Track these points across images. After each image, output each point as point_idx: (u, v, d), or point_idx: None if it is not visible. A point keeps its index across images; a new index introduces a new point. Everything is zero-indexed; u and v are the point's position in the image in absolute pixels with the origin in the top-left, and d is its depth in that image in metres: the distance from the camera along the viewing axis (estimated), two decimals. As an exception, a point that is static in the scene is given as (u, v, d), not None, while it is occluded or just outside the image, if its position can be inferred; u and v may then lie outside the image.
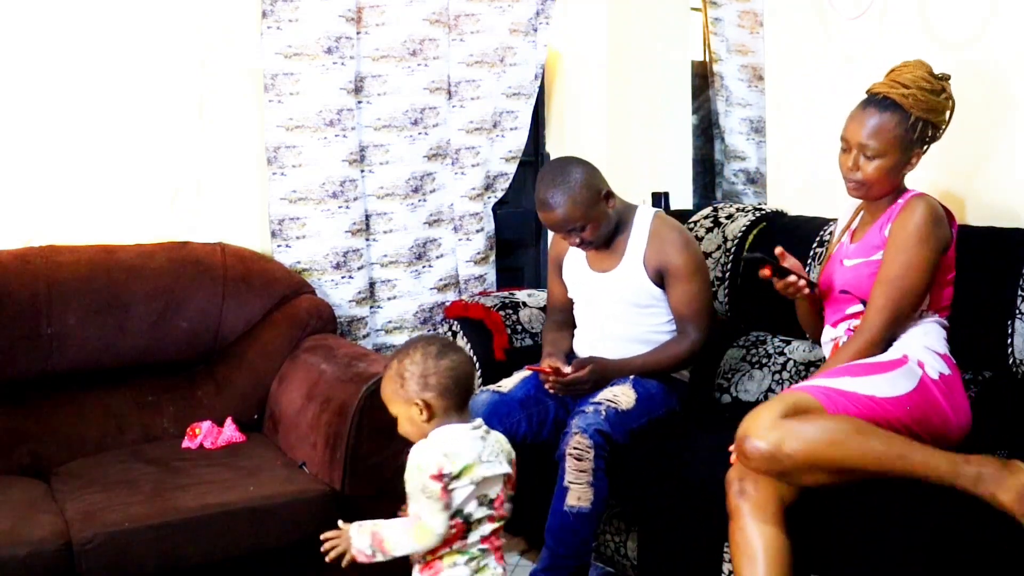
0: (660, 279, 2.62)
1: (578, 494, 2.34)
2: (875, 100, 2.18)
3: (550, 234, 2.93)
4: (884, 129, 2.15)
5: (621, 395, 2.48)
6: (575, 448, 2.35)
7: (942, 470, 1.87)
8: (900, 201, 2.21)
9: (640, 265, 2.62)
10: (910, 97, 2.15)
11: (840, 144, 2.24)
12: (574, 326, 2.83)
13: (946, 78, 2.22)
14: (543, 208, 2.54)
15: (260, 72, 2.96)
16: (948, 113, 2.21)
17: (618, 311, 2.67)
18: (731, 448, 2.04)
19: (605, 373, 2.58)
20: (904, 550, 1.87)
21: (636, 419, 2.47)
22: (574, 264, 2.75)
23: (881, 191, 2.21)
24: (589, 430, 2.36)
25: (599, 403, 2.45)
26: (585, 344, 2.75)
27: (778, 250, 2.21)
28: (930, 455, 1.89)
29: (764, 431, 1.89)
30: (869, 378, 2.04)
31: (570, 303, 2.82)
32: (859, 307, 2.22)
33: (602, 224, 2.57)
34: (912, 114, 2.15)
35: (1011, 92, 2.53)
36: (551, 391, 2.59)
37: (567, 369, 2.55)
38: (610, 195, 2.58)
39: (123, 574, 2.07)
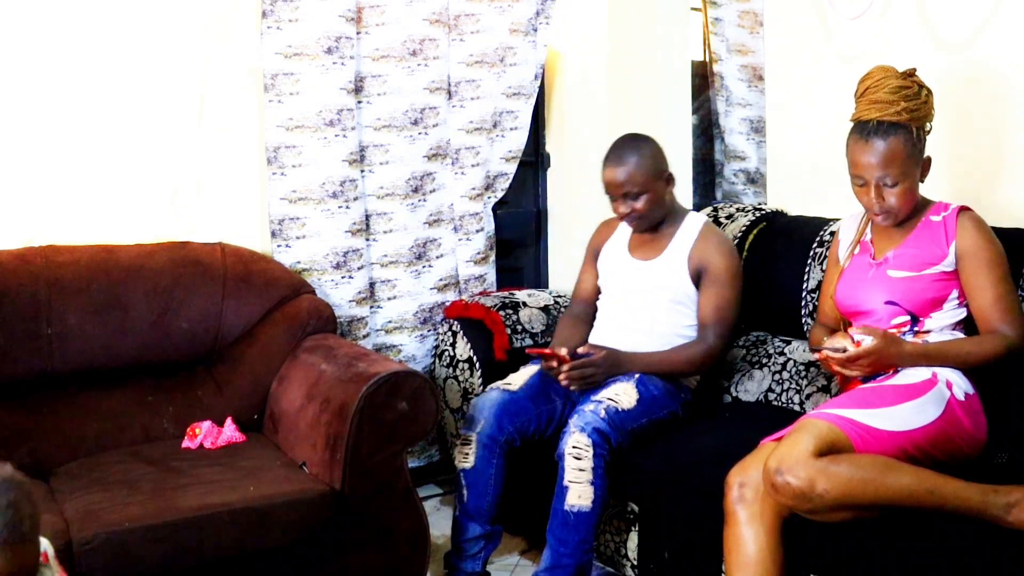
0: (698, 279, 2.64)
1: (578, 493, 2.34)
2: (872, 128, 2.16)
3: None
4: (896, 155, 2.15)
5: (622, 394, 2.48)
6: (574, 447, 2.35)
7: (973, 502, 1.86)
8: (939, 216, 2.22)
9: (684, 260, 2.65)
10: (903, 112, 2.14)
11: (853, 180, 2.23)
12: (590, 324, 2.82)
13: (913, 72, 2.21)
14: (610, 163, 2.64)
15: (260, 72, 2.96)
16: (932, 105, 2.21)
17: (650, 301, 2.67)
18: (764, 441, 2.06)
19: (618, 361, 2.57)
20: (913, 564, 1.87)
21: (636, 419, 2.47)
22: (614, 251, 2.79)
23: (910, 211, 2.23)
24: (587, 429, 2.36)
25: (599, 401, 2.45)
26: (605, 335, 2.73)
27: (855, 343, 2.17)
28: (960, 488, 1.88)
29: (797, 468, 1.87)
30: (899, 408, 2.01)
31: (594, 297, 2.83)
32: (905, 318, 2.22)
33: (656, 202, 2.64)
34: (911, 127, 2.15)
35: (1011, 92, 2.53)
36: (562, 381, 2.56)
37: (563, 352, 2.54)
38: (671, 179, 2.69)
39: (123, 574, 2.07)
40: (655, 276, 2.68)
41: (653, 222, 2.69)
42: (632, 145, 2.65)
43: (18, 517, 1.47)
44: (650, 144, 2.67)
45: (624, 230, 2.82)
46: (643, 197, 2.62)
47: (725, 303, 2.63)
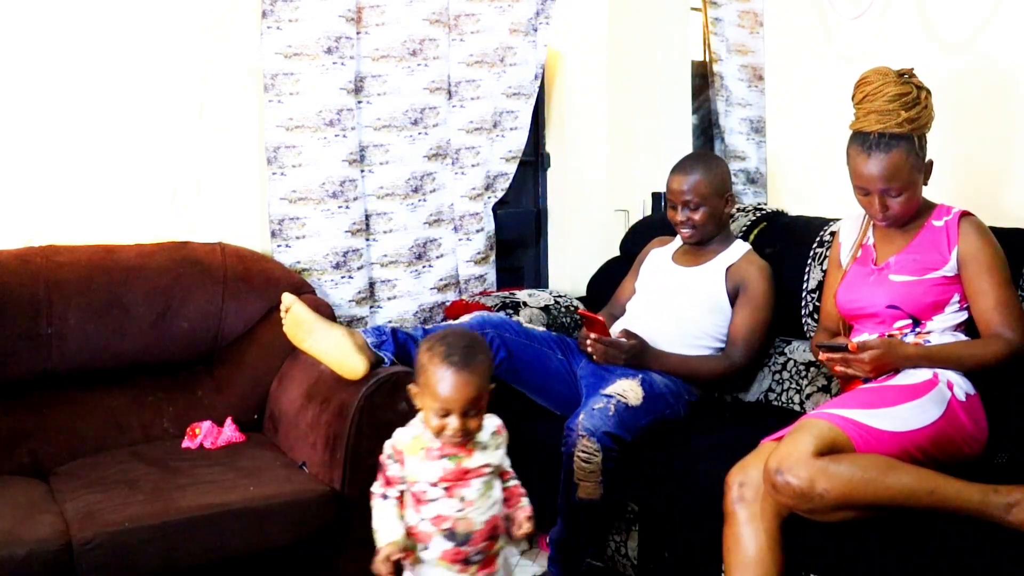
0: (734, 296, 2.70)
1: (588, 490, 2.35)
2: (874, 141, 2.15)
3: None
4: (899, 166, 2.14)
5: (629, 391, 2.48)
6: (582, 451, 2.35)
7: (973, 502, 1.85)
8: (940, 220, 2.22)
9: (723, 272, 2.72)
10: (904, 123, 2.13)
11: (856, 189, 2.23)
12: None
13: (911, 72, 2.20)
14: (677, 172, 2.74)
15: (260, 72, 2.96)
16: (931, 107, 2.20)
17: (684, 304, 2.72)
18: (765, 440, 2.06)
19: (643, 354, 2.62)
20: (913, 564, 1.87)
21: (643, 416, 2.47)
22: (659, 258, 2.89)
23: (912, 215, 2.24)
24: (597, 433, 2.35)
25: (609, 396, 2.44)
26: (635, 330, 2.75)
27: (852, 346, 2.16)
28: (961, 488, 1.87)
29: (797, 468, 1.87)
30: (900, 408, 2.01)
31: (627, 302, 2.89)
32: (906, 321, 2.22)
33: (713, 218, 2.73)
34: (913, 137, 2.15)
35: (1012, 91, 2.53)
36: (587, 349, 2.62)
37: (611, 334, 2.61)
38: (731, 200, 2.77)
39: (123, 574, 2.07)
40: (692, 282, 2.75)
41: (705, 237, 2.77)
42: (701, 159, 2.78)
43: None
44: (719, 163, 2.79)
45: (675, 244, 2.91)
46: (701, 209, 2.71)
47: (756, 324, 2.67)
